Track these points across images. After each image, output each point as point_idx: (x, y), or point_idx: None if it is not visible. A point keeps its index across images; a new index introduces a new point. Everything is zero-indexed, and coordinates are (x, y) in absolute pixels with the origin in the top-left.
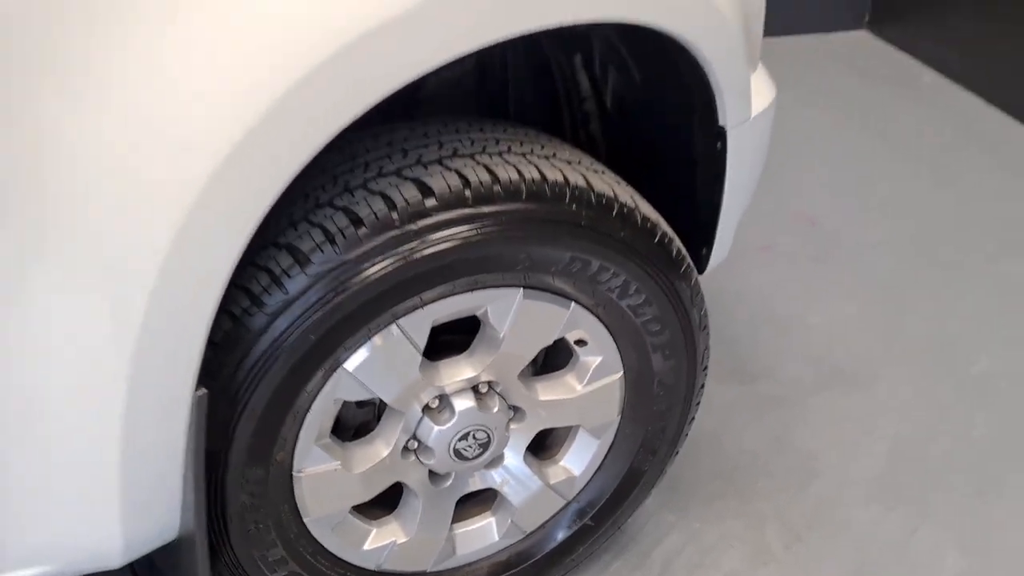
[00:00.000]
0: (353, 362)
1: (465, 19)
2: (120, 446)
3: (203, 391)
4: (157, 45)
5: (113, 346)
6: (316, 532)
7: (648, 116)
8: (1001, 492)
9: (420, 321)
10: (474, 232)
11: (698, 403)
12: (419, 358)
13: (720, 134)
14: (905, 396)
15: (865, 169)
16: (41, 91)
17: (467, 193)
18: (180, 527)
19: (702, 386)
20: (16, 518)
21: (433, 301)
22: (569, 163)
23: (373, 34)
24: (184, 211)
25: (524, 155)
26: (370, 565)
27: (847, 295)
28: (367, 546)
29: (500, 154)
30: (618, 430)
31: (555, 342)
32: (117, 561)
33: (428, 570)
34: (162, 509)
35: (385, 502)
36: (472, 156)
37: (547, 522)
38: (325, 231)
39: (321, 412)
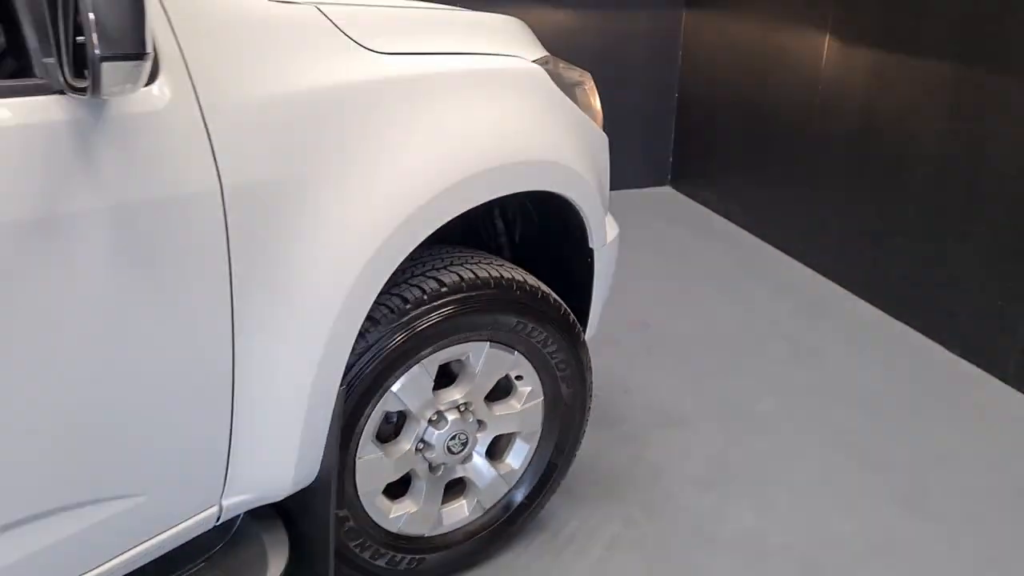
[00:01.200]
0: (397, 386)
1: (481, 190)
2: (304, 418)
3: (343, 387)
4: (385, 166)
5: (309, 354)
6: (364, 503)
7: (543, 242)
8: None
9: (434, 362)
10: (467, 307)
11: (587, 419)
12: (431, 385)
13: (590, 252)
14: (709, 429)
15: (675, 286)
16: (325, 188)
17: (463, 284)
18: (319, 476)
19: (589, 408)
20: (242, 461)
21: (442, 349)
22: (508, 268)
23: (450, 188)
24: (371, 256)
25: (486, 264)
26: (393, 528)
27: (669, 370)
28: (391, 515)
29: (475, 264)
30: (541, 436)
31: (504, 376)
32: (284, 494)
33: (426, 534)
34: (313, 463)
35: (396, 491)
36: (461, 264)
37: (498, 501)
38: (391, 304)
39: (375, 418)
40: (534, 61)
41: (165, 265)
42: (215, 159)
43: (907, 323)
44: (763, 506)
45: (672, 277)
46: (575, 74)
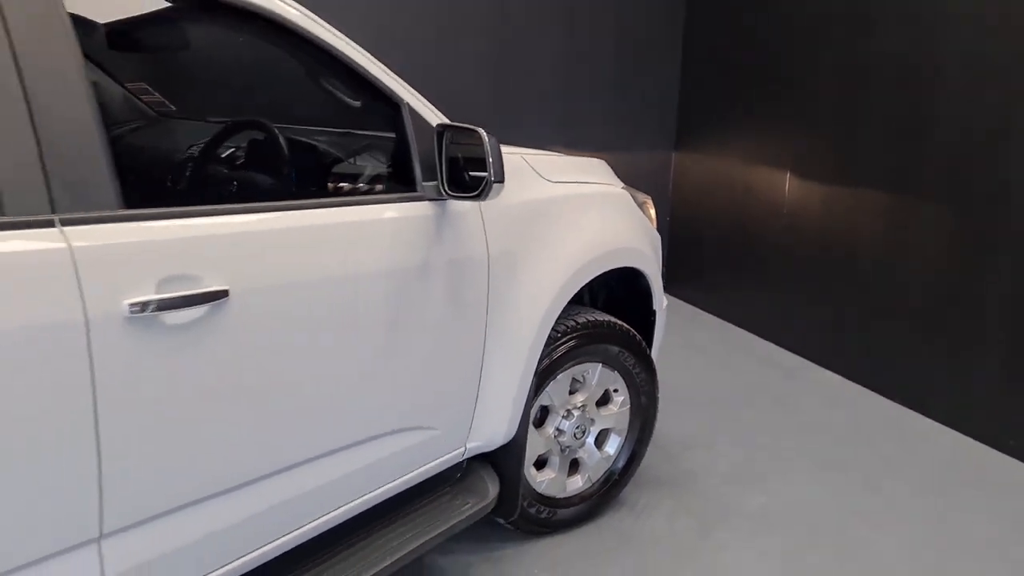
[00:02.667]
0: (547, 389)
1: (604, 262)
2: (514, 396)
3: (534, 380)
4: (559, 246)
5: (520, 355)
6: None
7: (621, 304)
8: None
9: (568, 375)
10: (586, 339)
11: (655, 422)
12: (567, 391)
13: (652, 312)
14: (725, 448)
15: (678, 360)
16: (530, 258)
17: (584, 325)
18: (515, 437)
19: (656, 414)
20: (479, 418)
21: (573, 366)
22: (608, 316)
23: (590, 261)
24: (551, 299)
25: (596, 314)
26: (538, 490)
27: (689, 413)
28: (537, 480)
29: (589, 314)
30: (627, 432)
31: (607, 388)
32: (496, 446)
33: (557, 496)
34: (514, 427)
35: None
36: (580, 314)
37: (600, 476)
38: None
39: (534, 410)
40: (621, 187)
41: (465, 293)
42: (486, 238)
43: (858, 382)
44: (770, 493)
45: (672, 354)
46: (641, 196)
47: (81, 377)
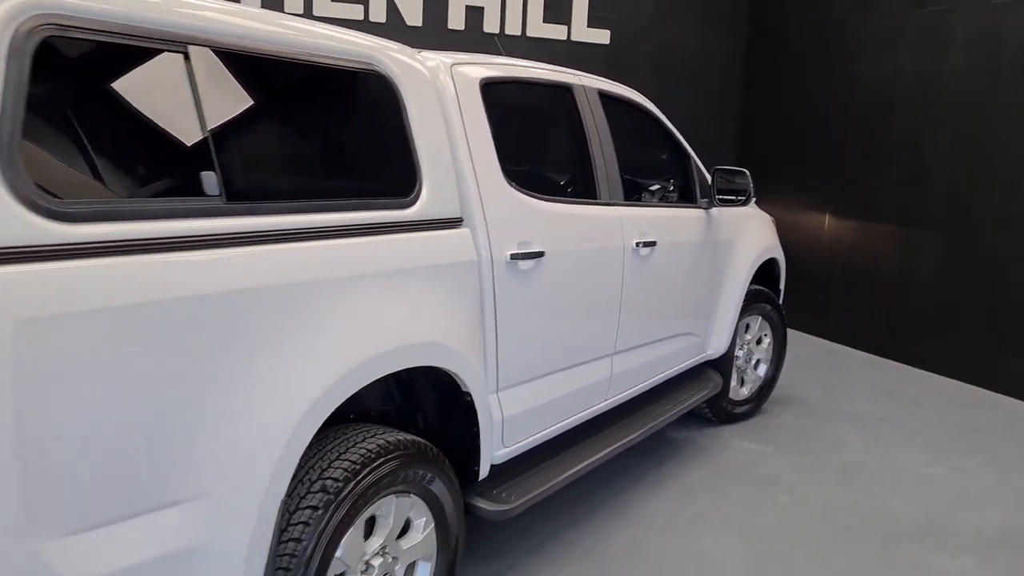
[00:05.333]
0: None
1: (765, 253)
2: (731, 319)
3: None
4: (753, 234)
5: (736, 297)
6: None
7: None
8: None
9: (744, 321)
10: (759, 298)
11: (785, 354)
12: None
13: (779, 287)
14: (824, 391)
15: None
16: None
17: (758, 292)
18: (727, 351)
19: (786, 346)
20: (712, 334)
21: (750, 316)
22: (765, 290)
23: (762, 251)
24: (748, 268)
25: (759, 288)
26: (736, 397)
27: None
28: (738, 390)
29: (757, 287)
30: (771, 359)
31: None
32: (720, 353)
33: (735, 399)
34: (728, 342)
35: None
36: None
37: (756, 388)
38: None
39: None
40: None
41: (714, 258)
42: (722, 229)
43: (873, 353)
44: (858, 407)
45: None
46: (769, 216)
47: (485, 293)
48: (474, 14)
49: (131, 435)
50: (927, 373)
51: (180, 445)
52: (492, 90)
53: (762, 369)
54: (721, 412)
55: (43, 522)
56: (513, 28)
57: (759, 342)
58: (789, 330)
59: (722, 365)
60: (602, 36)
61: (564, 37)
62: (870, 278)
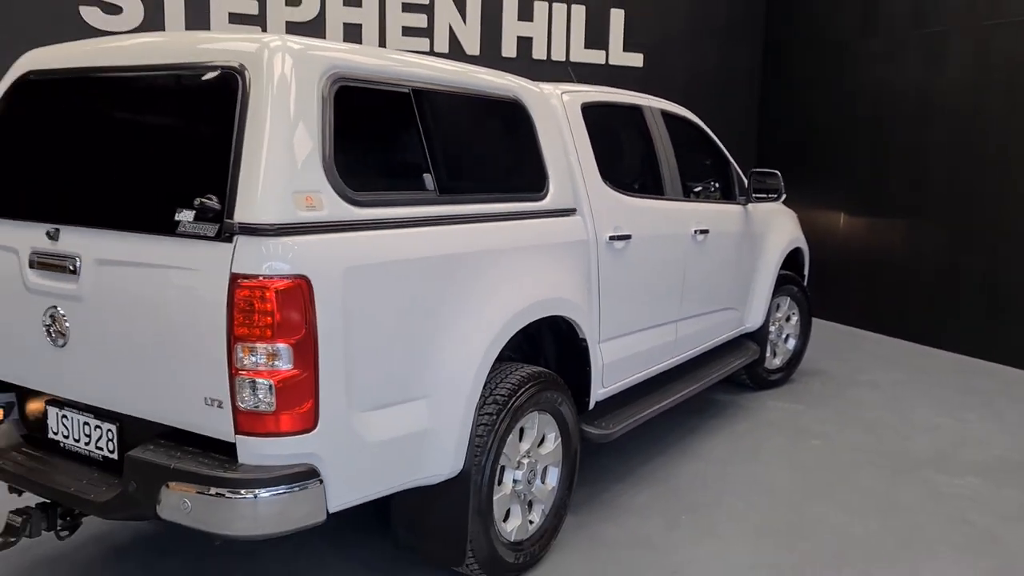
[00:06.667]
0: None
1: (792, 244)
2: (765, 296)
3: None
4: (782, 228)
5: (770, 276)
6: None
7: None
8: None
9: (775, 300)
10: (787, 280)
11: (810, 329)
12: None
13: (804, 273)
14: (843, 365)
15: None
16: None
17: (787, 275)
18: (762, 326)
19: (812, 321)
20: (748, 309)
21: (782, 296)
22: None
23: (791, 241)
24: (779, 254)
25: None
26: (770, 366)
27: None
28: (771, 362)
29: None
30: (799, 332)
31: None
32: (756, 327)
33: (769, 367)
34: (762, 318)
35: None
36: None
37: (787, 358)
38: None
39: None
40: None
41: (750, 244)
42: (756, 222)
43: (876, 331)
44: (876, 376)
45: None
46: (792, 212)
47: (592, 265)
48: (524, 43)
49: (401, 348)
50: (932, 349)
51: (426, 358)
52: (589, 111)
53: (791, 343)
54: (758, 379)
55: (355, 403)
56: (558, 54)
57: (788, 319)
58: (823, 321)
59: (758, 337)
60: (636, 59)
61: (603, 61)
62: (880, 267)
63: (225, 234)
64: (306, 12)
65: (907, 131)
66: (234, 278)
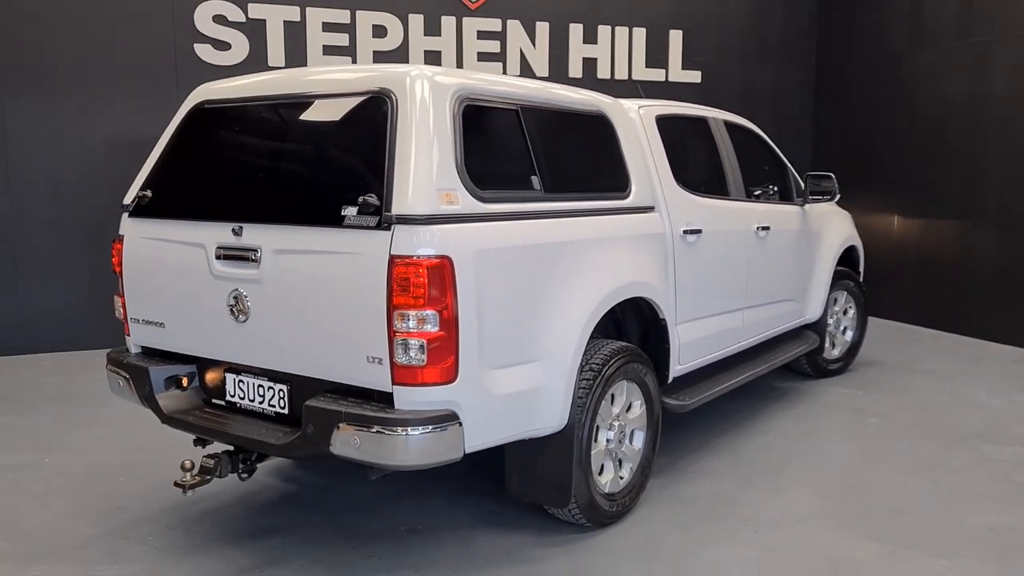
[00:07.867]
0: None
1: (847, 242)
2: (825, 284)
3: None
4: (838, 228)
5: (828, 268)
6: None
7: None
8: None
9: (833, 295)
10: (841, 276)
11: (867, 321)
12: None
13: (858, 269)
14: (897, 355)
15: None
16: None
17: (842, 270)
18: (821, 316)
19: (867, 314)
20: (808, 303)
21: (839, 290)
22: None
23: (845, 239)
24: (835, 251)
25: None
26: (829, 356)
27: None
28: (830, 353)
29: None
30: (857, 326)
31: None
32: (816, 318)
33: (828, 357)
34: (821, 309)
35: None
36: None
37: (845, 350)
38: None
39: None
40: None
41: (808, 240)
42: (813, 220)
43: (933, 328)
44: (929, 364)
45: None
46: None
47: (669, 255)
48: (589, 64)
49: (519, 317)
50: (986, 342)
51: (537, 327)
52: (663, 122)
53: (849, 335)
54: (817, 367)
55: (485, 361)
56: (621, 73)
57: (846, 312)
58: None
59: (818, 327)
60: (694, 76)
61: (663, 79)
62: (935, 266)
63: (384, 224)
64: (391, 41)
65: (959, 137)
66: (392, 259)
